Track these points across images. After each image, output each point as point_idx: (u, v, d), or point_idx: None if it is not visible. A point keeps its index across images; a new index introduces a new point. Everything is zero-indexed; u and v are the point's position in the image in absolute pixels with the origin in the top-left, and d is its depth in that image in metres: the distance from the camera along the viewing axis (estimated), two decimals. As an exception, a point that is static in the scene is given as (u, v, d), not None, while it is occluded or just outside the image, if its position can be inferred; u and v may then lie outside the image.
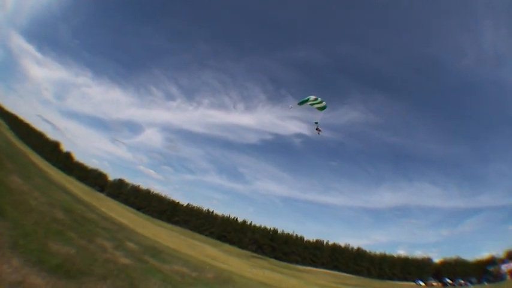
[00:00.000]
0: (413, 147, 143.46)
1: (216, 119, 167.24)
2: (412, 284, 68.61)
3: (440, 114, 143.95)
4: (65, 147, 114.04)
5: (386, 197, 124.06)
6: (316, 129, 19.45)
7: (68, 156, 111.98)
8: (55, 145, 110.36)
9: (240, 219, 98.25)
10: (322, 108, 18.31)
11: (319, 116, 18.85)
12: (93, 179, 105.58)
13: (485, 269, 67.54)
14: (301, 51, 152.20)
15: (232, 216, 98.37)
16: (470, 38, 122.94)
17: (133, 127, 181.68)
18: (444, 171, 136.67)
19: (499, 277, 54.02)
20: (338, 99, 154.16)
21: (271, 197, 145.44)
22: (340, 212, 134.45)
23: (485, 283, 51.16)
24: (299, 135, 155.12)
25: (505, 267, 57.04)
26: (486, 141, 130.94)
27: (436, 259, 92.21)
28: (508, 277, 50.52)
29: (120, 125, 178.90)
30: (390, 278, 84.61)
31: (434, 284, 64.55)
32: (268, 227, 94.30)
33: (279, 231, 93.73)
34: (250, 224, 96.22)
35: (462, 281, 62.66)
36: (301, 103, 18.58)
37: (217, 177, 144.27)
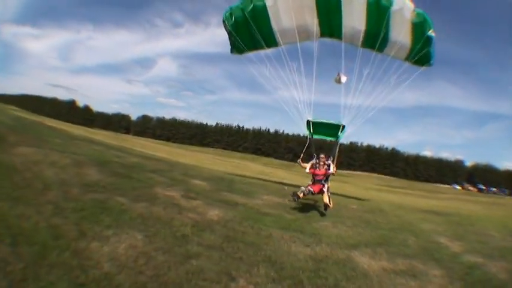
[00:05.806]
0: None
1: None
2: (449, 187, 67.95)
3: (454, 18, 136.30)
4: (81, 102, 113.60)
5: (406, 96, 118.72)
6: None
7: (86, 109, 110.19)
8: (70, 104, 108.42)
9: (271, 130, 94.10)
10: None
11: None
12: (117, 123, 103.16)
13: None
14: None
15: (263, 128, 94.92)
16: None
17: (145, 62, 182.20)
18: (463, 71, 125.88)
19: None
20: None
21: (296, 104, 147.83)
22: (363, 112, 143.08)
23: None
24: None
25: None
26: (504, 49, 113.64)
27: (468, 162, 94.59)
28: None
29: (132, 64, 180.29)
30: (427, 180, 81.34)
31: (471, 188, 64.67)
32: (301, 134, 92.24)
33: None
34: (283, 133, 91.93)
35: (495, 189, 62.76)
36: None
37: (237, 92, 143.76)
